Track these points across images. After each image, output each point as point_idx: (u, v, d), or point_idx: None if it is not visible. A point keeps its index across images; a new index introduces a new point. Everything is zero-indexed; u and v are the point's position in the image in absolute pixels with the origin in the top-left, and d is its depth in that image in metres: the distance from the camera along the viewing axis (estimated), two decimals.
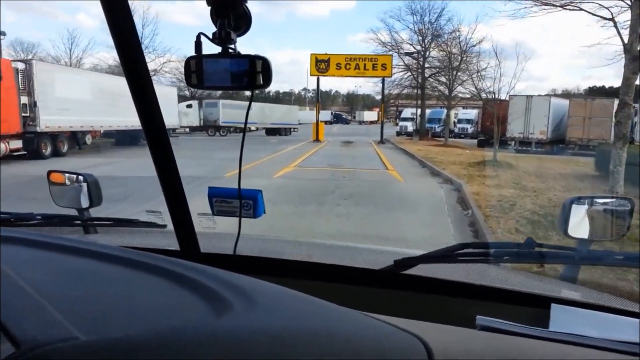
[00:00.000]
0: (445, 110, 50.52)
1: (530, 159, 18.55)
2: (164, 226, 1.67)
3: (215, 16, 1.00)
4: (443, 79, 32.03)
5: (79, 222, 1.70)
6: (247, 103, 1.23)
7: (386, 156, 19.20)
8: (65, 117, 17.90)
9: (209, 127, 36.01)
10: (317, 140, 29.67)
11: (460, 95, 31.51)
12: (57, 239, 0.82)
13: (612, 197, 1.95)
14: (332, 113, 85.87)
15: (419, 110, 35.48)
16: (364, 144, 28.90)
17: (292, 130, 42.72)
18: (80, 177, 1.78)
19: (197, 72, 1.04)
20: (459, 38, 29.88)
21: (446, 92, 30.87)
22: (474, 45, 27.85)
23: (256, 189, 1.27)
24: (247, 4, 1.00)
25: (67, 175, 1.85)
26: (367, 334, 0.68)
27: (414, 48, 34.64)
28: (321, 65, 30.32)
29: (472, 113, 44.56)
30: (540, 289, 1.28)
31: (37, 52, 41.13)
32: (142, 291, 0.68)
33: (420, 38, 34.40)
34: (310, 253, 1.73)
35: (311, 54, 30.40)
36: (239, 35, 1.02)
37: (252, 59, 1.02)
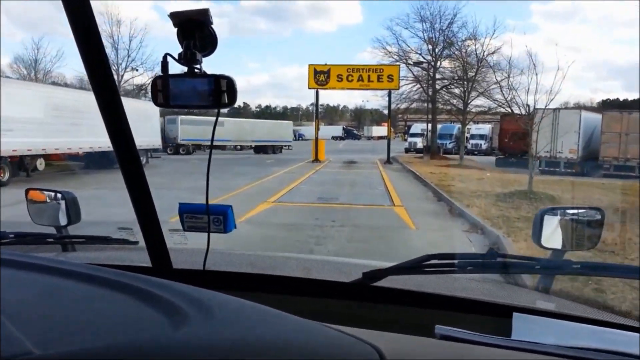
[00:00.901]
0: (457, 126, 47.74)
1: (567, 185, 15.29)
2: (136, 243, 1.63)
3: (181, 37, 1.01)
4: (457, 91, 28.76)
5: (51, 240, 1.67)
6: (211, 119, 1.13)
7: (393, 183, 15.94)
8: (6, 139, 14.86)
9: (168, 145, 32.61)
10: (316, 160, 26.52)
11: (477, 108, 28.12)
12: (26, 257, 0.82)
13: (583, 208, 1.65)
14: (343, 128, 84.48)
15: (430, 126, 32.21)
16: (368, 164, 25.68)
17: (282, 147, 38.84)
18: (59, 195, 1.77)
19: (163, 91, 1.06)
20: (475, 45, 26.61)
21: (459, 105, 27.60)
22: (493, 53, 24.64)
23: (226, 205, 1.25)
24: (212, 26, 1.03)
25: (45, 193, 1.84)
26: (323, 344, 0.69)
27: (424, 58, 31.56)
28: (320, 77, 27.21)
29: (486, 128, 42.03)
30: (504, 299, 1.33)
31: (38, 68, 39.48)
32: (104, 307, 0.69)
33: (430, 47, 31.31)
34: (282, 267, 1.75)
35: (309, 65, 27.27)
36: (205, 56, 1.05)
37: (217, 78, 1.04)
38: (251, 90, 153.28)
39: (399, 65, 29.45)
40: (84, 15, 0.91)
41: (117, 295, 0.71)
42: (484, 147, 40.86)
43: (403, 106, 34.20)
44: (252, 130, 36.20)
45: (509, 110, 15.99)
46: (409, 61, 31.53)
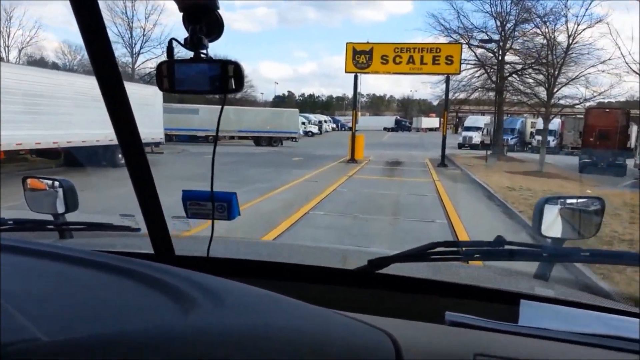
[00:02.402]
0: (520, 120, 41.27)
1: None
2: (138, 230, 1.65)
3: (187, 22, 1.01)
4: (538, 78, 22.72)
5: (51, 226, 1.67)
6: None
7: (456, 207, 10.73)
8: None
9: None
10: (352, 160, 21.48)
11: (565, 101, 22.04)
12: (28, 244, 0.82)
13: (584, 197, 1.68)
14: (396, 119, 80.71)
15: (492, 119, 26.48)
16: (417, 166, 20.42)
17: (283, 140, 33.84)
18: (56, 183, 1.79)
19: (168, 76, 1.05)
20: (567, 16, 20.36)
21: (539, 94, 21.69)
22: (591, 26, 18.68)
23: (231, 192, 1.24)
24: (219, 11, 1.02)
25: (44, 181, 1.85)
26: (336, 331, 0.69)
27: (489, 37, 25.78)
28: (360, 58, 21.88)
29: (555, 123, 36.14)
30: (511, 286, 1.32)
31: (84, 54, 39.21)
32: (110, 293, 0.69)
33: (498, 23, 25.50)
34: (285, 254, 1.77)
35: (347, 43, 21.95)
36: (211, 41, 1.04)
37: (224, 64, 1.03)
38: (297, 79, 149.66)
39: (461, 44, 23.70)
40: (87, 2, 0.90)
41: (123, 281, 0.70)
42: (552, 144, 35.20)
43: (461, 95, 28.48)
44: (237, 120, 30.85)
45: None
46: (472, 41, 25.87)
